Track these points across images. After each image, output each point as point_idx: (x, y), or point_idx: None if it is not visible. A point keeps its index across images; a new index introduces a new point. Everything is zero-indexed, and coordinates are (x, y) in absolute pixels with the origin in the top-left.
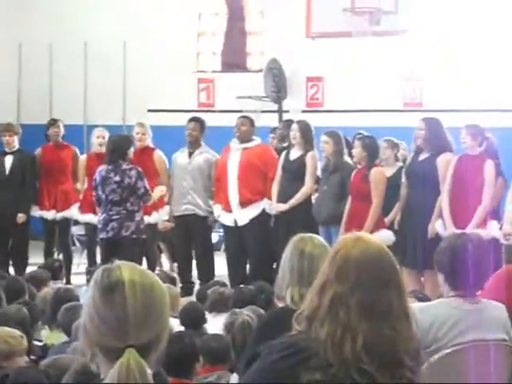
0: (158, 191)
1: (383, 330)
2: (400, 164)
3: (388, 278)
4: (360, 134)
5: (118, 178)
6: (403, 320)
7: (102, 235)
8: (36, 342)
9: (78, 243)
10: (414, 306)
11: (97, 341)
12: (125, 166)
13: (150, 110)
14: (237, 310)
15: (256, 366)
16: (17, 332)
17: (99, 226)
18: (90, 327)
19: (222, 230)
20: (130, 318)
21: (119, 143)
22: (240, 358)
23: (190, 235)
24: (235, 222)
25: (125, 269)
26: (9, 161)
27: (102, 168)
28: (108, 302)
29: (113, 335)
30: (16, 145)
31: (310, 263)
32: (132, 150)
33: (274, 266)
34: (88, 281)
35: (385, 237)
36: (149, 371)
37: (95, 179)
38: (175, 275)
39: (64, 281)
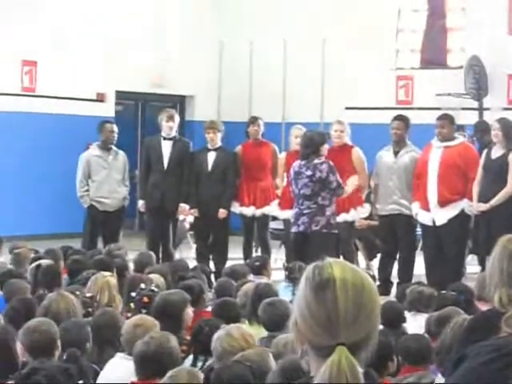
0: (351, 184)
1: None
2: None
3: None
4: None
5: (309, 173)
6: None
7: (294, 229)
8: None
9: (272, 235)
10: None
11: (307, 338)
12: (316, 161)
13: (347, 108)
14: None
15: (464, 367)
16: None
17: (292, 220)
18: (301, 324)
19: (420, 229)
20: (341, 316)
21: (313, 139)
22: (447, 359)
23: (394, 234)
24: (433, 221)
25: (336, 266)
26: (211, 157)
27: (296, 163)
28: (319, 299)
29: (323, 333)
30: (219, 142)
31: None
32: (326, 146)
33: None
34: (287, 276)
35: None
36: (360, 370)
37: (290, 175)
38: (372, 273)
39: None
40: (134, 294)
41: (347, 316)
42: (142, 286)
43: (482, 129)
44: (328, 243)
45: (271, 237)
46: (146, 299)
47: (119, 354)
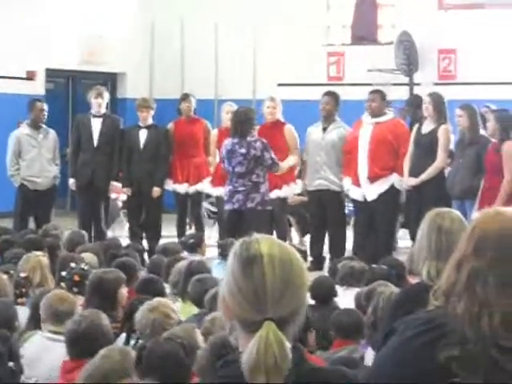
0: (288, 161)
1: None
2: None
3: None
4: (487, 106)
5: (243, 150)
6: None
7: (228, 206)
8: None
9: (207, 216)
10: None
11: (235, 313)
12: (250, 138)
13: (279, 84)
14: (374, 284)
15: (392, 341)
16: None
17: (225, 197)
18: (229, 299)
19: (351, 205)
20: (268, 291)
21: (245, 116)
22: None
23: (323, 210)
24: (364, 196)
25: (264, 242)
26: (143, 135)
27: (228, 141)
28: (246, 274)
29: (251, 308)
30: (150, 119)
31: (448, 238)
32: (256, 122)
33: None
34: (220, 254)
35: None
36: (288, 345)
37: (222, 152)
38: (305, 249)
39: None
40: (64, 274)
41: (274, 291)
42: (73, 264)
43: (415, 103)
44: (262, 220)
45: (208, 217)
46: (76, 278)
47: (42, 333)
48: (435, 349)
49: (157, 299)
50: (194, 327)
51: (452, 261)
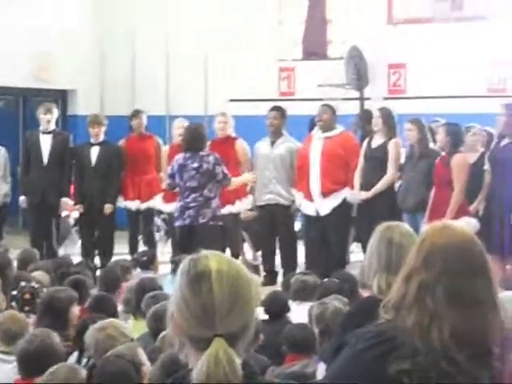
0: (241, 178)
1: (473, 318)
2: (482, 150)
3: (476, 265)
4: (436, 120)
5: (196, 165)
6: (492, 309)
7: (179, 223)
8: None
9: (161, 232)
10: (503, 294)
11: (184, 330)
12: (202, 153)
13: (231, 100)
14: (325, 299)
15: (342, 355)
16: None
17: (176, 213)
18: (178, 316)
19: (302, 219)
20: (217, 307)
21: (196, 132)
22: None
23: (273, 224)
24: (317, 211)
25: (212, 258)
26: (95, 152)
27: (180, 156)
28: (195, 291)
29: (200, 324)
30: (102, 136)
31: (398, 252)
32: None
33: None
34: (173, 270)
35: (468, 224)
36: (237, 360)
37: (172, 167)
38: (258, 264)
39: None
40: (15, 293)
41: (223, 307)
42: (23, 283)
43: (365, 118)
44: (214, 235)
45: (166, 234)
46: (27, 296)
47: None
48: (386, 362)
49: (108, 320)
50: (137, 344)
51: (401, 273)
